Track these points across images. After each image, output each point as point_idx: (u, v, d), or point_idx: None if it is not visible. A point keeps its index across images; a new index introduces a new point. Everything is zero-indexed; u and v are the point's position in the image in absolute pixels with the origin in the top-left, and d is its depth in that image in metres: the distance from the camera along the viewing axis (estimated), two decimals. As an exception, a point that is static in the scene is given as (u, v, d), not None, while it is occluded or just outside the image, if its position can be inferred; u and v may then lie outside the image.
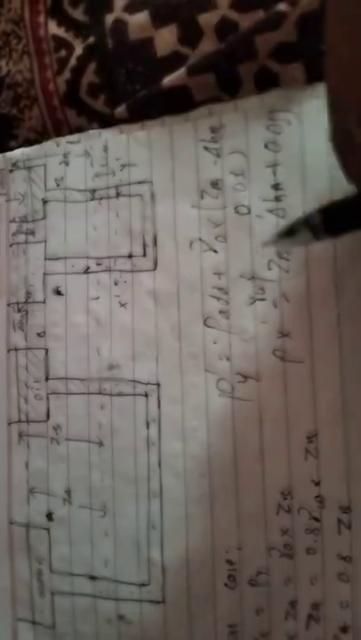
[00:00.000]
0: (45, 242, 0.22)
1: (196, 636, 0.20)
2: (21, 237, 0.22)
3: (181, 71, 0.20)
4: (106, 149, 0.21)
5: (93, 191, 0.22)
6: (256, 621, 0.19)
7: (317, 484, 0.19)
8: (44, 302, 0.22)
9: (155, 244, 0.21)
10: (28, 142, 0.24)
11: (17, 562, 0.22)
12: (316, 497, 0.19)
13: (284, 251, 0.18)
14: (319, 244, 0.17)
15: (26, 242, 0.22)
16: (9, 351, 0.22)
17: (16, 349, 0.22)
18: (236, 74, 0.19)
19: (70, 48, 0.23)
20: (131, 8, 0.21)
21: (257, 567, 0.19)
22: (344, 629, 0.19)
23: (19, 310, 0.22)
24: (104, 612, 0.21)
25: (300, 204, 0.19)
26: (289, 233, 0.16)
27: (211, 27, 0.20)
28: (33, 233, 0.22)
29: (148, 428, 0.20)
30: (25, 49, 0.24)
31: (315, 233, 0.15)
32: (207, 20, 0.20)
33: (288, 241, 0.16)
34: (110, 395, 0.21)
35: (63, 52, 0.23)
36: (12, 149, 0.24)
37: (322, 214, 0.15)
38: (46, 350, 0.22)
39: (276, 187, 0.19)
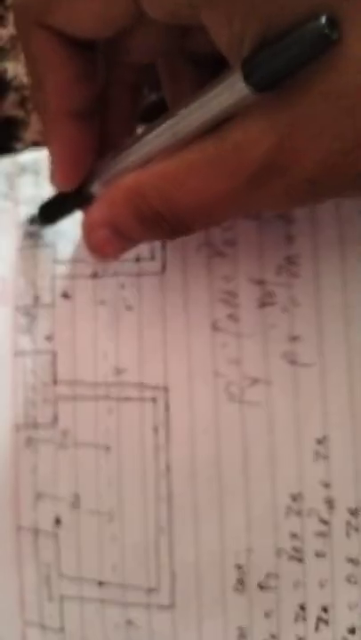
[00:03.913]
0: (54, 246, 0.22)
1: (205, 640, 0.20)
2: (30, 241, 0.22)
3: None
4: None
5: (101, 195, 0.22)
6: (266, 624, 0.19)
7: (327, 486, 0.19)
8: (51, 306, 0.22)
9: (163, 247, 0.21)
10: (35, 144, 0.24)
11: (25, 567, 0.22)
12: (326, 500, 0.19)
13: (36, 231, 0.23)
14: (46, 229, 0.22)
15: (34, 246, 0.22)
16: (16, 355, 0.22)
17: (23, 353, 0.22)
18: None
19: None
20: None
21: (266, 570, 0.19)
22: (352, 631, 0.19)
23: (26, 314, 0.22)
24: (112, 617, 0.21)
25: (308, 211, 0.19)
26: (32, 220, 0.22)
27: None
28: (41, 237, 0.22)
29: (155, 432, 0.20)
30: (31, 52, 0.24)
31: (37, 222, 0.22)
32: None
33: (35, 226, 0.22)
34: (117, 399, 0.21)
35: (70, 56, 0.23)
36: (18, 151, 0.24)
37: (39, 209, 0.21)
38: (54, 354, 0.22)
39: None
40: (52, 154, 0.17)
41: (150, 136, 0.15)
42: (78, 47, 0.15)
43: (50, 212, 0.21)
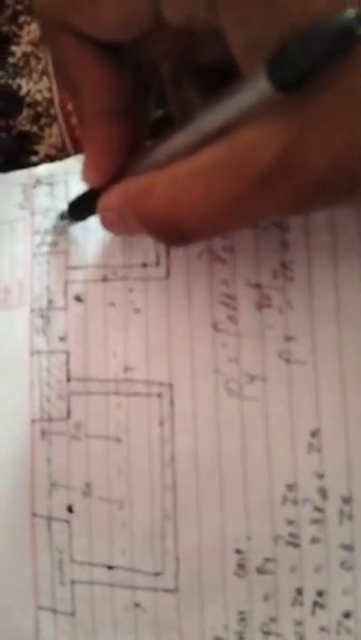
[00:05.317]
0: (67, 252, 0.24)
1: (208, 623, 0.21)
2: (44, 248, 0.24)
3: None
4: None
5: (110, 206, 0.23)
6: (264, 608, 0.20)
7: (320, 477, 0.20)
8: (65, 309, 0.23)
9: (167, 254, 0.22)
10: (49, 158, 0.26)
11: (39, 552, 0.23)
12: (319, 489, 0.20)
13: (65, 225, 0.24)
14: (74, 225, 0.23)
15: (48, 252, 0.24)
16: (32, 354, 0.24)
17: (39, 352, 0.24)
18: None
19: (89, 72, 0.24)
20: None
21: (264, 556, 0.20)
22: (347, 615, 0.20)
23: (41, 316, 0.24)
24: (121, 599, 0.22)
25: (302, 219, 0.20)
26: (62, 217, 0.23)
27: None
28: (55, 244, 0.24)
29: (161, 425, 0.22)
30: (44, 69, 0.26)
31: (67, 218, 0.23)
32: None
33: (65, 221, 0.23)
34: (126, 394, 0.22)
35: (82, 76, 0.24)
36: (33, 164, 0.25)
37: (68, 205, 0.22)
38: (67, 353, 0.23)
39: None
40: (86, 151, 0.18)
41: (176, 136, 0.15)
42: (105, 49, 0.16)
43: (79, 209, 0.22)
